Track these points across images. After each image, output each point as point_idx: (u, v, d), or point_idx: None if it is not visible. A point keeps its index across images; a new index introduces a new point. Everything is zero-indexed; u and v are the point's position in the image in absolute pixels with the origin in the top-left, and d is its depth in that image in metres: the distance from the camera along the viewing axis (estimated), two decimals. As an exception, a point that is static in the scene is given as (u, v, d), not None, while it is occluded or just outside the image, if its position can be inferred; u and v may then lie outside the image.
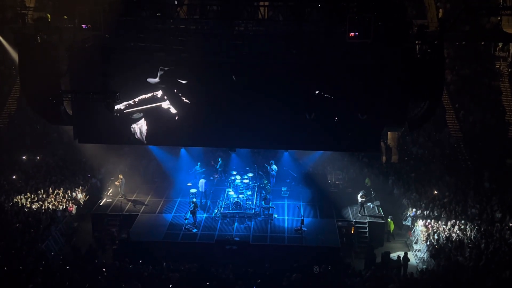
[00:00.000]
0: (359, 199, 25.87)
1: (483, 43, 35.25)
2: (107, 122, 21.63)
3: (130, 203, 27.10)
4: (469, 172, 30.05)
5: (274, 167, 29.18)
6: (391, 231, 25.75)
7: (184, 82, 21.00)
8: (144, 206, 26.81)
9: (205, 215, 25.73)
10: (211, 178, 29.42)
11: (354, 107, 20.44)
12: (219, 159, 30.03)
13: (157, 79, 21.03)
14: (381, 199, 27.20)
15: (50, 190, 27.50)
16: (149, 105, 21.47)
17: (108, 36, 19.59)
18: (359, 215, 25.77)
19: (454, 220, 24.71)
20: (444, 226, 24.49)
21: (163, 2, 19.20)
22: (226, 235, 23.86)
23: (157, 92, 21.31)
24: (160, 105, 21.46)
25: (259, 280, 19.99)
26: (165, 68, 20.89)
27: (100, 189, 28.89)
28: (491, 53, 35.55)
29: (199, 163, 29.36)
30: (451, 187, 28.01)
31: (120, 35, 19.83)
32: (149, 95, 21.33)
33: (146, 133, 22.04)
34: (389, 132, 31.53)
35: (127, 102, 21.34)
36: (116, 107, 20.91)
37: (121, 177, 27.76)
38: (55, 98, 20.08)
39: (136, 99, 21.35)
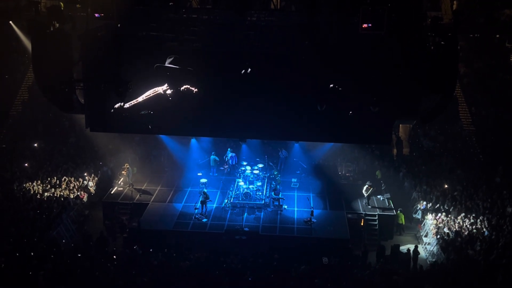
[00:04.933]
0: (364, 193, 25.89)
1: (497, 36, 34.86)
2: (118, 111, 21.67)
3: (140, 192, 27.26)
4: (481, 166, 29.85)
5: (285, 151, 29.62)
6: (403, 224, 25.67)
7: (191, 69, 20.86)
8: (154, 195, 26.97)
9: (215, 205, 25.86)
10: (221, 168, 29.53)
11: (366, 99, 20.33)
12: (229, 150, 29.93)
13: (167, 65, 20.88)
14: (392, 192, 27.15)
15: (62, 178, 27.69)
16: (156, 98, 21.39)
17: (120, 25, 19.57)
18: (369, 207, 25.77)
19: (464, 214, 24.60)
20: (454, 220, 24.38)
21: (175, -9, 19.13)
22: (236, 226, 23.98)
23: (164, 85, 21.24)
24: (170, 94, 21.40)
25: (268, 271, 20.07)
26: (174, 56, 20.80)
27: (111, 178, 29.08)
28: (506, 46, 35.13)
29: (213, 152, 29.51)
30: (462, 181, 27.85)
31: (133, 24, 19.79)
32: (157, 88, 21.21)
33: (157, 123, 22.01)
34: (400, 125, 31.36)
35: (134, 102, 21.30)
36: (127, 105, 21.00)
37: (127, 166, 27.91)
38: (67, 86, 20.11)
39: (140, 98, 21.17)
